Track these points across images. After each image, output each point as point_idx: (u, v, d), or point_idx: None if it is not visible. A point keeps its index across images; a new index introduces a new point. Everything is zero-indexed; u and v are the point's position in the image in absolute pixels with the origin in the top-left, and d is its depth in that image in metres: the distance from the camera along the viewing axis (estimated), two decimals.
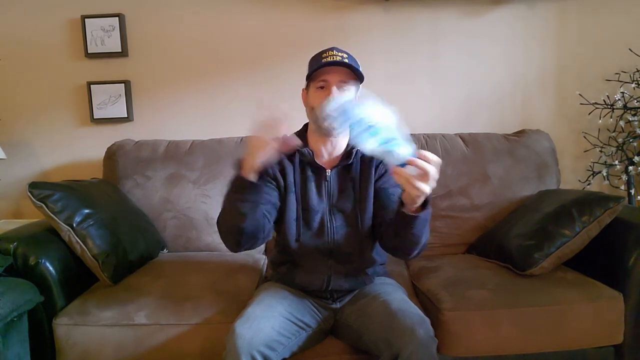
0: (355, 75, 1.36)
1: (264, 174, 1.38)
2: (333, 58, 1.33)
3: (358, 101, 1.09)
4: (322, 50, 1.38)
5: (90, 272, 1.64)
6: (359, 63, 1.38)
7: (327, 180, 1.42)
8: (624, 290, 1.53)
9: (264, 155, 1.16)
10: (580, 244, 1.61)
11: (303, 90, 1.44)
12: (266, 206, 1.34)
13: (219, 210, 2.02)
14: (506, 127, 2.33)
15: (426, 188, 1.08)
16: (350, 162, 1.42)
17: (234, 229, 1.27)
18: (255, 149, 1.16)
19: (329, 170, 1.42)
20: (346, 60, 1.33)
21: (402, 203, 1.19)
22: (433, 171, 1.06)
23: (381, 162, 1.43)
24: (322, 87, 1.35)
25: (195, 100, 2.39)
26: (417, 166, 1.05)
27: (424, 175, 1.06)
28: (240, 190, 1.21)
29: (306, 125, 1.48)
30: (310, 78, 1.37)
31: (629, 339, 1.54)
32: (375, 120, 1.06)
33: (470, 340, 1.47)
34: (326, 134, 1.37)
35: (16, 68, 2.37)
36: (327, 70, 1.33)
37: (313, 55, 1.41)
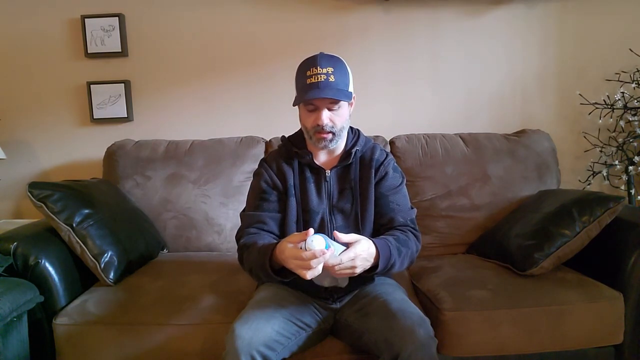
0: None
1: (264, 190, 1.42)
2: (317, 78, 1.28)
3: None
4: (307, 63, 1.32)
5: (90, 272, 1.64)
6: (347, 68, 1.35)
7: (327, 181, 1.42)
8: (624, 290, 1.53)
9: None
10: (580, 244, 1.61)
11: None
12: (274, 228, 1.40)
13: (219, 210, 2.04)
14: (506, 127, 2.33)
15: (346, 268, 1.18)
16: (350, 162, 1.42)
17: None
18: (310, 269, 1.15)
19: (328, 171, 1.42)
20: (332, 79, 1.28)
21: None
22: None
23: (381, 164, 1.43)
24: (312, 110, 1.34)
25: (195, 100, 2.39)
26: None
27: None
28: (274, 279, 1.27)
29: None
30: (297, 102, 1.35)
31: (629, 339, 1.54)
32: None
33: (470, 340, 1.47)
34: (321, 149, 1.38)
35: (16, 68, 2.37)
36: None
37: (301, 62, 1.36)
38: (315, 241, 1.12)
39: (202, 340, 1.44)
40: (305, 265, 1.13)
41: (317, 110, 1.33)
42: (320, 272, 1.15)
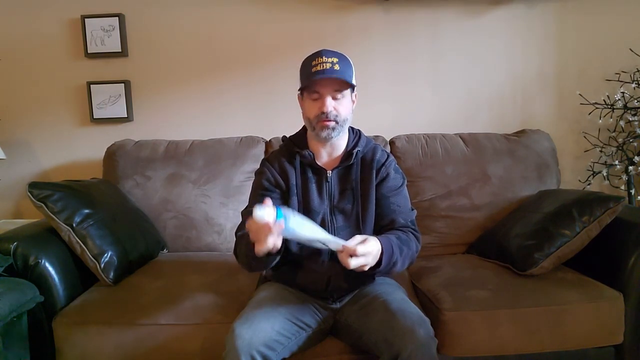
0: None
1: (266, 187, 1.41)
2: (323, 66, 1.31)
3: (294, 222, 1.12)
4: (312, 56, 1.36)
5: (90, 272, 1.64)
6: (351, 62, 1.37)
7: (328, 181, 1.42)
8: (624, 290, 1.53)
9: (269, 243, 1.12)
10: (580, 244, 1.61)
11: (299, 95, 1.43)
12: None
13: (219, 210, 2.04)
14: (506, 127, 2.33)
15: (359, 264, 1.17)
16: (351, 163, 1.42)
17: (254, 270, 1.37)
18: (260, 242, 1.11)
19: (329, 171, 1.42)
20: (337, 67, 1.31)
21: None
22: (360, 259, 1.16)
23: (382, 165, 1.43)
24: (316, 99, 1.35)
25: (195, 100, 2.39)
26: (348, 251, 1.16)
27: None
28: (258, 262, 1.24)
29: (306, 127, 1.48)
30: (303, 87, 1.37)
31: (629, 339, 1.54)
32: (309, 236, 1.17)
33: (470, 340, 1.47)
34: (324, 141, 1.38)
35: (16, 68, 2.37)
36: (320, 80, 1.32)
37: (304, 58, 1.38)
38: (263, 211, 1.05)
39: (202, 340, 1.44)
40: (253, 237, 1.10)
41: (321, 98, 1.34)
42: (270, 246, 1.09)
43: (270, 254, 1.19)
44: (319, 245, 1.20)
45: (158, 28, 2.35)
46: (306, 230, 1.15)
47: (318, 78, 1.30)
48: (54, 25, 2.35)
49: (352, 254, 1.15)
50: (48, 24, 2.35)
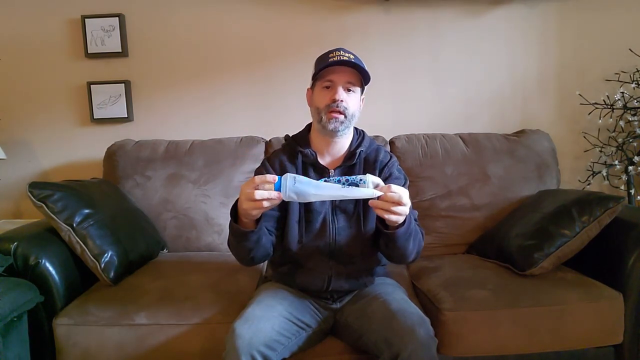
0: (361, 77, 1.36)
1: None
2: (340, 58, 1.33)
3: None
4: (329, 50, 1.38)
5: (90, 272, 1.64)
6: (364, 65, 1.38)
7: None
8: (624, 290, 1.54)
9: (260, 210, 1.16)
10: (580, 244, 1.61)
11: (308, 89, 1.44)
12: (268, 224, 1.36)
13: (219, 210, 2.04)
14: (506, 127, 2.33)
15: (401, 214, 1.15)
16: (354, 162, 1.41)
17: (245, 259, 1.35)
18: (252, 205, 1.15)
19: (332, 171, 1.41)
20: (353, 59, 1.33)
21: (382, 222, 1.24)
22: (403, 199, 1.14)
23: (385, 165, 1.44)
24: (327, 87, 1.35)
25: (195, 100, 2.39)
26: (386, 200, 1.13)
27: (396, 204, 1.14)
28: (241, 238, 1.26)
29: (309, 126, 1.48)
30: (316, 77, 1.37)
31: (629, 339, 1.54)
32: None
33: (470, 340, 1.47)
34: (330, 134, 1.37)
35: (16, 68, 2.37)
36: (334, 70, 1.34)
37: (319, 55, 1.40)
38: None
39: (202, 340, 1.45)
40: (251, 192, 1.12)
41: (333, 87, 1.35)
42: (257, 197, 1.11)
43: (257, 220, 1.23)
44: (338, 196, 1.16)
45: (158, 28, 2.35)
46: (314, 187, 1.13)
47: (335, 64, 1.32)
48: (54, 25, 2.35)
49: (392, 200, 1.12)
50: (48, 24, 2.34)
